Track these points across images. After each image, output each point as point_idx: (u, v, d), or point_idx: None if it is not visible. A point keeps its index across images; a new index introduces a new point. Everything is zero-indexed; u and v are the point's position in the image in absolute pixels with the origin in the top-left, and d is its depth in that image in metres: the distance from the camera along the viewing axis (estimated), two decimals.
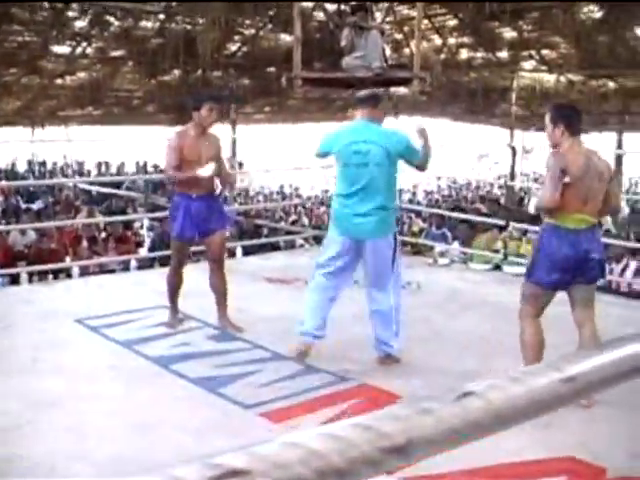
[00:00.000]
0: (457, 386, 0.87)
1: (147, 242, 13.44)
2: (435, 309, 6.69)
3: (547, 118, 4.67)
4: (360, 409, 4.43)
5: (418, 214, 16.39)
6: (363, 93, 5.42)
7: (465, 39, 14.70)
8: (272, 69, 14.08)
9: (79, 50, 13.24)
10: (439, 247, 9.80)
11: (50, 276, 9.48)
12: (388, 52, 10.39)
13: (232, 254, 10.90)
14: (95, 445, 3.94)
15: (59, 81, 14.48)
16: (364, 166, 5.08)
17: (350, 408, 4.44)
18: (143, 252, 12.70)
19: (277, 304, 6.80)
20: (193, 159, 5.80)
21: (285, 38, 13.74)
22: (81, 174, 23.65)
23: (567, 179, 4.44)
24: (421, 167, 5.40)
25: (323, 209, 19.68)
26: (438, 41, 14.75)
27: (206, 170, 5.76)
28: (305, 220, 19.12)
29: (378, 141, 5.09)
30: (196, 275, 7.96)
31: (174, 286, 6.19)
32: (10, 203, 16.80)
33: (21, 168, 23.58)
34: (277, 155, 23.38)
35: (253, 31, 13.96)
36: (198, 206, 5.91)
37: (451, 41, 14.75)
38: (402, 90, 14.39)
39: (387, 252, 5.19)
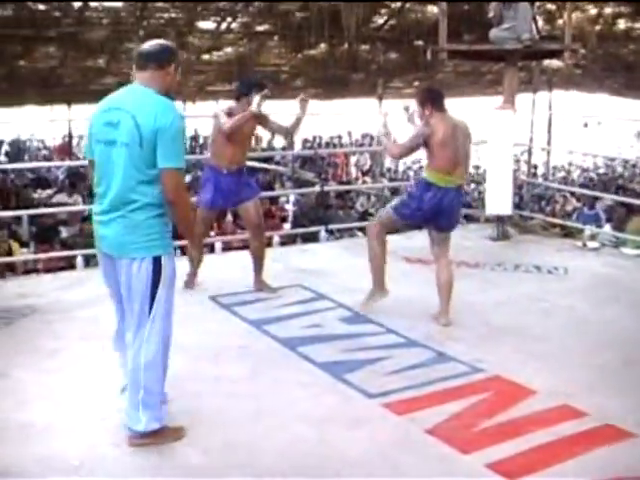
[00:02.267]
0: None
1: (291, 217, 13.44)
2: (580, 297, 6.30)
3: (416, 101, 5.65)
4: (490, 404, 4.19)
5: (572, 193, 15.72)
6: (146, 47, 3.68)
7: (622, 8, 13.91)
8: (420, 42, 13.78)
9: (224, 25, 13.35)
10: (589, 230, 9.31)
11: None
12: (540, 23, 9.86)
13: None
14: (208, 430, 3.86)
15: (206, 56, 14.69)
16: (111, 144, 3.51)
17: (480, 402, 4.20)
18: (287, 227, 12.71)
19: (414, 286, 6.55)
20: (236, 137, 6.05)
21: (433, 10, 13.39)
22: None
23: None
24: (167, 179, 3.49)
25: (473, 186, 19.23)
26: (593, 11, 14.03)
27: (255, 105, 5.93)
28: None
29: (131, 110, 3.47)
30: (331, 254, 7.89)
31: (192, 257, 6.44)
32: None
33: None
34: None
35: (399, 4, 13.67)
36: (228, 182, 6.16)
37: (607, 11, 14.00)
38: (556, 63, 13.84)
39: (137, 282, 3.55)
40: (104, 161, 3.56)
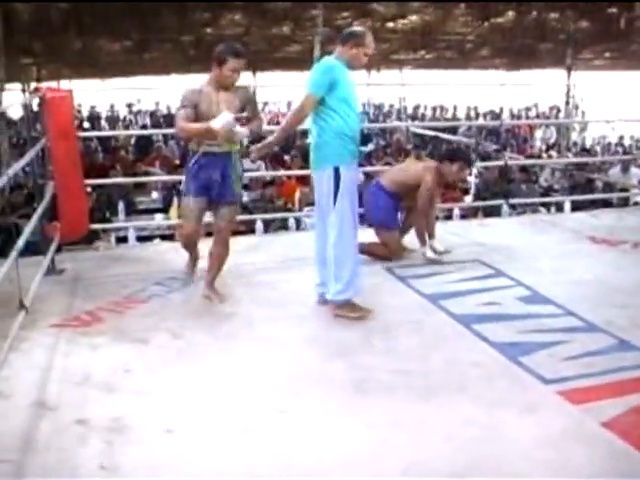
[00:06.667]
0: None
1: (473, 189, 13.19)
2: None
3: None
4: None
5: None
6: (346, 31, 5.09)
7: None
8: (614, 10, 13.11)
9: None
10: None
11: None
12: None
13: (560, 208, 10.39)
14: (374, 406, 3.83)
15: (390, 24, 14.54)
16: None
17: None
18: (469, 200, 12.50)
19: (597, 267, 6.29)
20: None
21: None
22: (414, 118, 23.83)
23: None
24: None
25: None
26: None
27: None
28: None
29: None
30: (511, 229, 7.71)
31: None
32: None
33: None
34: (620, 104, 21.99)
35: None
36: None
37: None
38: None
39: (323, 185, 4.99)
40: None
